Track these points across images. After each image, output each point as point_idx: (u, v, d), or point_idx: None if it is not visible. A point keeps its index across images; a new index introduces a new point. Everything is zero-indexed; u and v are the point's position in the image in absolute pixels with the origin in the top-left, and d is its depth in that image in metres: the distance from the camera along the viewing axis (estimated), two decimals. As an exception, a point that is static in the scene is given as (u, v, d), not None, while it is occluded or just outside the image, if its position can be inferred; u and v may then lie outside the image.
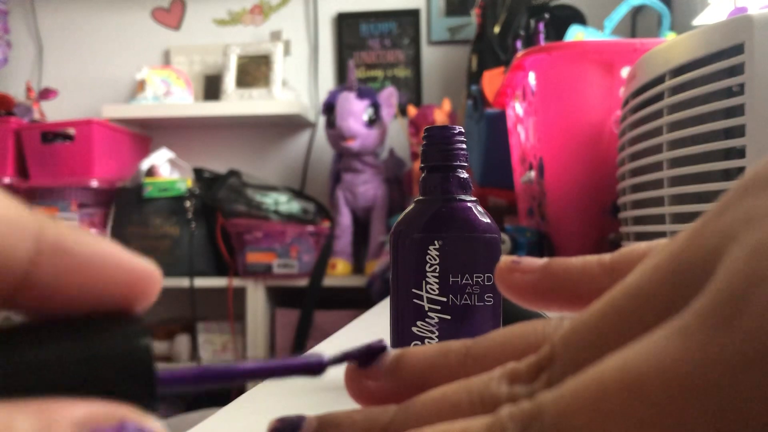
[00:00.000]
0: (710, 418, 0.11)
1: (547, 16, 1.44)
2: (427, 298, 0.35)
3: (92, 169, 1.87)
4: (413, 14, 2.13)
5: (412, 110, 1.86)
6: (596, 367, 0.13)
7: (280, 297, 1.94)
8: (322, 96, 2.05)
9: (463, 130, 0.37)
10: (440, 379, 0.18)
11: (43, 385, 0.13)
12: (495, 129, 1.19)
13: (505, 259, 0.21)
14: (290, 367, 0.18)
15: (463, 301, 0.35)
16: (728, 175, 0.55)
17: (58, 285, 0.14)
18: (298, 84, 2.16)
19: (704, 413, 0.11)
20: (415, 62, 2.14)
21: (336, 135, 1.84)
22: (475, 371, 0.18)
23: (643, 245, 0.19)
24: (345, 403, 0.19)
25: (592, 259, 0.20)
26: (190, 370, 0.16)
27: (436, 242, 0.35)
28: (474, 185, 1.15)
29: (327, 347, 0.53)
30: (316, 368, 0.18)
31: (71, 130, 1.88)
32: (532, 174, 0.95)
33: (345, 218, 1.89)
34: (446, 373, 0.18)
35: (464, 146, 0.37)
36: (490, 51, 1.61)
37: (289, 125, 2.16)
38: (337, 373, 0.20)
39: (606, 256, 0.20)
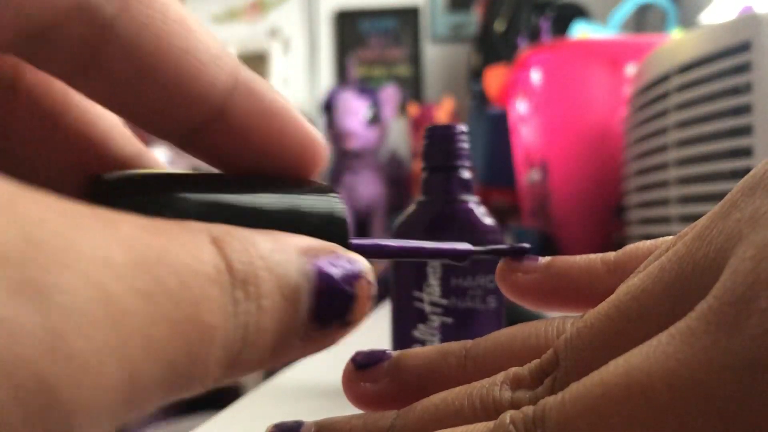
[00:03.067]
0: (715, 421, 0.11)
1: (551, 12, 1.44)
2: (428, 300, 0.35)
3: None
4: (414, 11, 2.13)
5: (413, 109, 1.85)
6: (600, 372, 0.13)
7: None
8: (322, 94, 2.04)
9: (465, 129, 0.36)
10: (440, 381, 0.18)
11: (259, 227, 0.13)
12: (498, 128, 1.18)
13: (506, 259, 0.21)
14: (442, 251, 0.19)
15: (465, 304, 0.34)
16: (735, 175, 0.54)
17: (247, 126, 0.14)
18: (296, 82, 2.16)
19: (709, 417, 0.11)
20: (416, 60, 2.13)
21: (335, 134, 1.83)
22: (475, 373, 0.18)
23: (648, 243, 0.19)
24: (343, 409, 0.19)
25: (596, 257, 0.20)
26: (370, 244, 0.17)
27: (437, 244, 0.35)
28: (477, 185, 1.14)
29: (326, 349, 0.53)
30: (462, 255, 0.19)
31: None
32: (536, 174, 0.94)
33: (346, 218, 1.89)
34: (446, 375, 0.18)
35: (467, 146, 0.36)
36: (492, 48, 1.60)
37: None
38: (335, 378, 0.19)
39: (610, 255, 0.20)
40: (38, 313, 0.09)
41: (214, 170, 0.16)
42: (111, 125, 0.16)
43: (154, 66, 0.13)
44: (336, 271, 0.13)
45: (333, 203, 0.15)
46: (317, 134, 0.15)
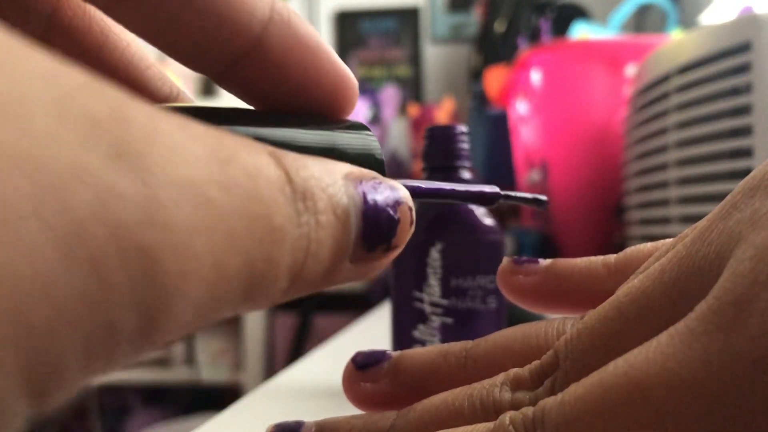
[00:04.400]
0: (715, 422, 0.11)
1: (551, 13, 1.44)
2: (428, 301, 0.35)
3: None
4: (414, 11, 2.13)
5: (413, 109, 1.85)
6: (600, 372, 0.13)
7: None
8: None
9: (465, 130, 0.36)
10: (440, 382, 0.18)
11: None
12: (498, 128, 1.18)
13: (507, 261, 0.21)
14: (470, 194, 0.19)
15: (465, 305, 0.34)
16: (735, 175, 0.54)
17: (284, 59, 0.14)
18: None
19: (708, 417, 0.11)
20: (416, 60, 2.13)
21: (337, 134, 1.83)
22: (475, 373, 0.18)
23: (648, 245, 0.19)
24: (343, 409, 0.19)
25: (596, 260, 0.20)
26: (403, 183, 0.17)
27: (437, 244, 0.35)
28: (476, 185, 1.14)
29: (326, 351, 0.53)
30: (490, 198, 0.19)
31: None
32: (536, 174, 0.94)
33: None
34: (446, 376, 0.18)
35: (467, 146, 0.36)
36: (492, 48, 1.60)
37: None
38: (335, 378, 0.19)
39: (611, 257, 0.20)
40: (137, 180, 0.09)
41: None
42: (148, 65, 0.16)
43: None
44: (379, 196, 0.13)
45: (369, 140, 0.15)
46: (348, 71, 0.15)
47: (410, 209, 0.14)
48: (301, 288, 0.12)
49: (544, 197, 0.21)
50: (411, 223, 0.14)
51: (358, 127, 0.16)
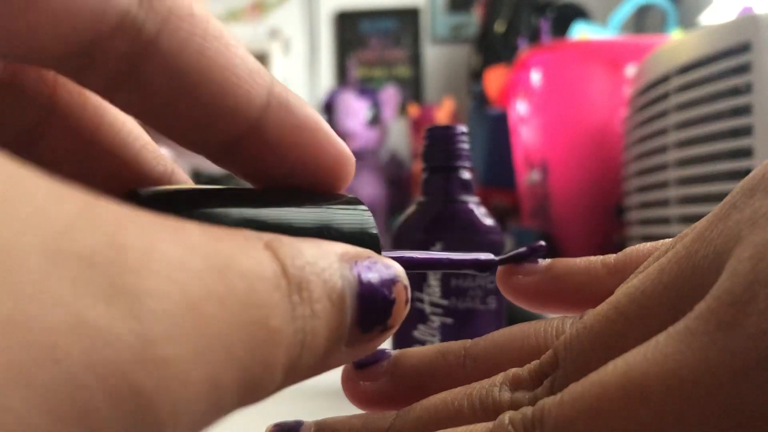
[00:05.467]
0: (714, 422, 0.11)
1: (551, 13, 1.44)
2: (428, 301, 0.35)
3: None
4: (414, 12, 2.13)
5: (413, 110, 1.85)
6: (599, 372, 0.13)
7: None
8: (322, 95, 2.04)
9: (465, 130, 0.36)
10: (439, 381, 0.18)
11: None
12: (498, 128, 1.18)
13: None
14: (465, 262, 0.19)
15: (465, 305, 0.34)
16: (735, 176, 0.54)
17: (281, 141, 0.15)
18: (296, 83, 2.16)
19: (707, 416, 0.11)
20: (416, 61, 2.13)
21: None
22: (474, 372, 0.18)
23: (648, 245, 0.19)
24: (343, 409, 0.19)
25: (596, 260, 0.20)
26: (399, 256, 0.17)
27: (437, 244, 0.35)
28: (477, 186, 1.14)
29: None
30: (485, 265, 0.20)
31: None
32: (536, 174, 0.94)
33: (346, 219, 1.89)
34: (445, 375, 0.18)
35: (467, 146, 0.36)
36: (492, 49, 1.60)
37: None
38: (335, 378, 0.19)
39: (610, 257, 0.20)
40: (130, 318, 0.08)
41: (242, 183, 0.16)
42: (143, 144, 0.16)
43: (194, 82, 0.13)
44: (374, 276, 0.13)
45: (364, 216, 0.15)
46: (346, 149, 0.16)
47: (405, 288, 0.14)
48: (295, 379, 0.12)
49: (541, 243, 0.20)
50: (406, 302, 0.14)
51: (352, 201, 0.16)
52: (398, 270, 0.14)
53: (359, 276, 0.13)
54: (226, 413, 0.11)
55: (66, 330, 0.08)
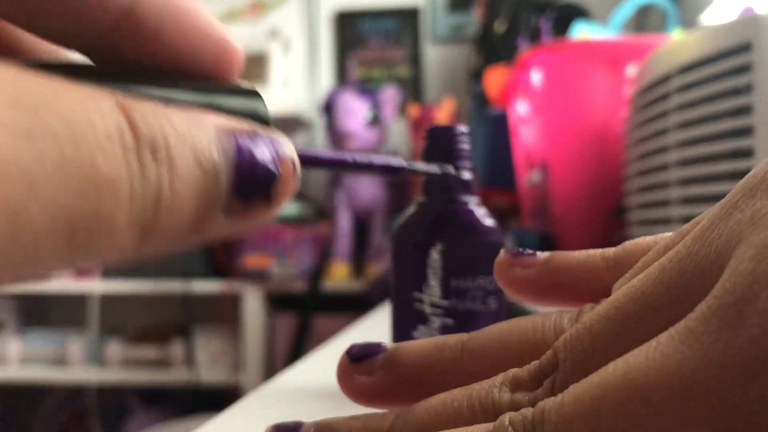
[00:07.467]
0: (714, 422, 0.11)
1: (551, 13, 1.44)
2: (428, 302, 0.34)
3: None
4: (414, 12, 2.13)
5: (413, 110, 1.85)
6: (599, 373, 0.13)
7: (278, 300, 1.93)
8: (321, 95, 2.04)
9: (465, 130, 0.36)
10: (436, 375, 0.18)
11: None
12: (499, 129, 1.18)
13: (504, 254, 0.21)
14: (372, 164, 0.19)
15: (465, 305, 0.34)
16: (736, 176, 0.54)
17: (158, 28, 0.14)
18: (296, 83, 2.16)
19: (708, 417, 0.11)
20: (416, 61, 2.13)
21: (335, 135, 1.83)
22: (471, 366, 0.18)
23: (647, 239, 0.19)
24: (343, 410, 0.19)
25: (595, 253, 0.20)
26: (301, 151, 0.16)
27: (437, 245, 0.34)
28: (477, 186, 1.14)
29: (326, 352, 0.52)
30: (394, 171, 0.19)
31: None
32: (536, 175, 0.94)
33: (344, 220, 1.89)
34: (442, 368, 0.18)
35: (467, 146, 0.36)
36: (493, 49, 1.60)
37: (287, 125, 2.15)
38: (335, 379, 0.19)
39: (609, 251, 0.20)
40: None
41: None
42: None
43: None
44: (257, 148, 0.13)
45: (255, 102, 0.15)
46: (230, 35, 0.15)
47: (293, 164, 0.14)
48: (161, 239, 0.12)
49: (450, 167, 0.20)
50: (293, 176, 0.14)
51: (247, 90, 0.15)
52: (287, 147, 0.14)
53: (239, 146, 0.13)
54: (56, 258, 0.10)
55: None
